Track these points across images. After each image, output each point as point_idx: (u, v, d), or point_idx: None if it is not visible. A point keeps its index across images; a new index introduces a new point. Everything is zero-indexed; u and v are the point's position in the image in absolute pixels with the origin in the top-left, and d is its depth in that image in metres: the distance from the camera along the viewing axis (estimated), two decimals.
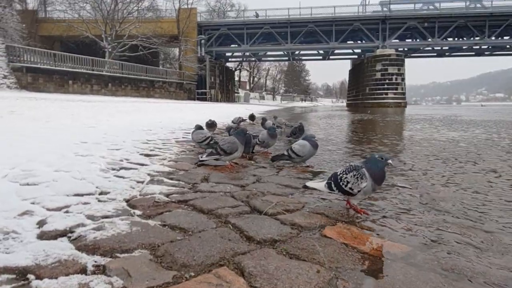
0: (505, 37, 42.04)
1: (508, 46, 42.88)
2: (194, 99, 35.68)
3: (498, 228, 1.98)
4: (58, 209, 1.90)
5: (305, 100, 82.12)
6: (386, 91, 40.12)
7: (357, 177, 2.10)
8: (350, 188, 2.11)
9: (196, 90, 37.58)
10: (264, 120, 7.53)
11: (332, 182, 2.17)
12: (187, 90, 36.03)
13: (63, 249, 1.42)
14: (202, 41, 40.77)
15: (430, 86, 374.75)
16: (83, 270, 1.30)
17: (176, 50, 42.72)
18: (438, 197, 2.57)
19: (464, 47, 44.32)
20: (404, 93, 40.88)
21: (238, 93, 55.09)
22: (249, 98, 55.37)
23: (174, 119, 9.43)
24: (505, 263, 1.53)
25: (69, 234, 1.60)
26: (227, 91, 47.40)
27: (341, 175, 2.16)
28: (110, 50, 30.81)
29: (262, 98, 66.91)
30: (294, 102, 72.35)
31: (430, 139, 6.87)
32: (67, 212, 1.87)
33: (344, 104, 70.33)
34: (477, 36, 40.63)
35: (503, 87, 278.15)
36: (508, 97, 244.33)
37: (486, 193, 2.71)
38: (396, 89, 40.13)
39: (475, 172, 3.57)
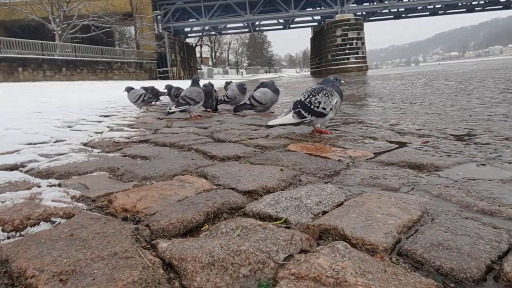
0: None
1: (460, 4, 44.18)
2: (156, 79, 34.51)
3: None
4: (8, 153, 1.79)
5: (269, 72, 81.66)
6: (347, 56, 40.57)
7: (327, 95, 2.12)
8: (323, 108, 2.11)
9: (157, 69, 36.36)
10: (227, 83, 7.44)
11: (301, 109, 2.13)
12: (147, 70, 34.79)
13: (13, 175, 1.34)
14: (159, 17, 39.22)
15: (390, 50, 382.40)
16: (36, 187, 1.22)
17: (132, 29, 40.78)
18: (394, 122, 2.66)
19: (419, 7, 45.21)
20: (365, 57, 41.53)
21: (200, 69, 53.88)
22: (213, 73, 54.40)
23: None
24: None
25: (21, 168, 1.51)
26: (189, 68, 46.22)
27: (309, 98, 2.14)
28: (59, 32, 28.95)
29: (226, 73, 65.92)
30: (258, 74, 71.87)
31: None
32: (18, 153, 1.77)
33: (309, 73, 70.64)
34: None
35: (456, 45, 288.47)
36: (462, 55, 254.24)
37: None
38: (357, 53, 40.65)
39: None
